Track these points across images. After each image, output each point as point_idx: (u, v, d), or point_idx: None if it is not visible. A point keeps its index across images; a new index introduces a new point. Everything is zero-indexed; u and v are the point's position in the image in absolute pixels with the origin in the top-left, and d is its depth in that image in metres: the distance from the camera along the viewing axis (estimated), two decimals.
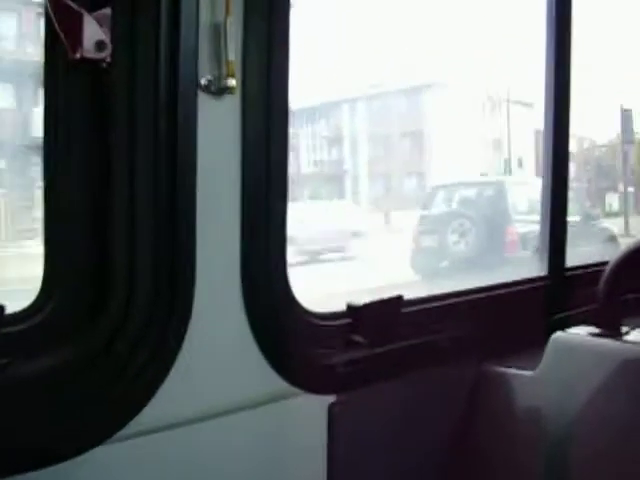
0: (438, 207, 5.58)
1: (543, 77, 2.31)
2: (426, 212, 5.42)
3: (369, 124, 7.89)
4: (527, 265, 2.52)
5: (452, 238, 4.98)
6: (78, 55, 1.26)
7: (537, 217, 2.44)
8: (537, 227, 2.43)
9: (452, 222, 5.07)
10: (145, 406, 1.31)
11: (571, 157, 2.34)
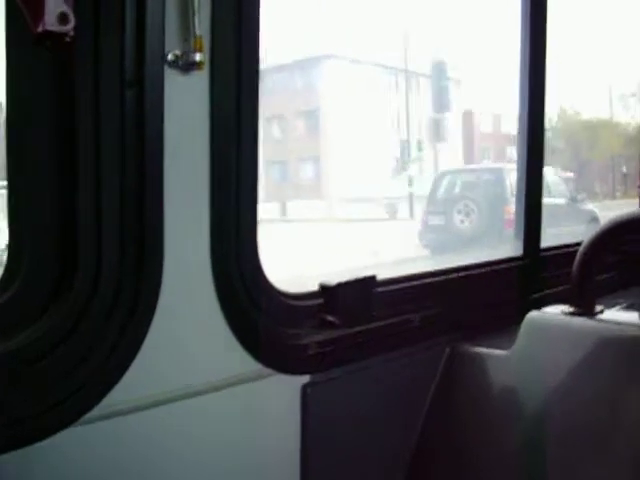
0: (444, 190, 6.11)
1: (517, 64, 2.32)
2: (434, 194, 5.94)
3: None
4: None
5: (458, 217, 5.47)
6: (40, 28, 1.22)
7: None
8: None
9: (457, 203, 5.51)
10: (113, 388, 1.29)
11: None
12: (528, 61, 2.26)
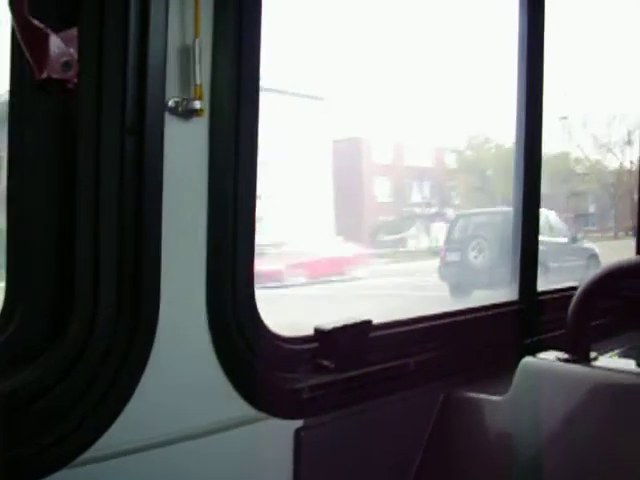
0: (458, 230, 6.93)
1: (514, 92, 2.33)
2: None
3: None
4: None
5: (472, 254, 6.25)
6: (44, 75, 1.24)
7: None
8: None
9: (471, 242, 6.33)
10: (107, 431, 1.29)
11: None
12: (525, 103, 2.29)
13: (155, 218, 1.33)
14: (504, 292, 2.36)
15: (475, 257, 6.41)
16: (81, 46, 1.27)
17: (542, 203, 2.42)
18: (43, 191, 1.30)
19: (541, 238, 2.43)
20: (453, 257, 6.61)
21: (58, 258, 1.31)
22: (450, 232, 7.06)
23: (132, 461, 1.33)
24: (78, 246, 1.29)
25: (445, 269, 6.76)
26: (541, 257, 2.41)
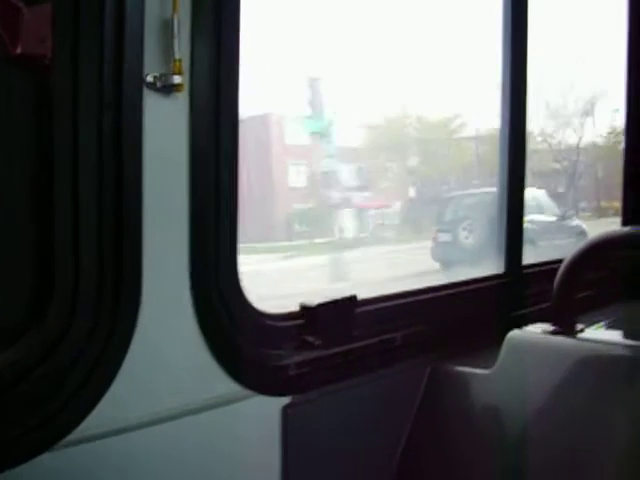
0: (450, 212, 7.13)
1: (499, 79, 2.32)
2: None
3: None
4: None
5: (463, 234, 6.58)
6: (18, 50, 1.22)
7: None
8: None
9: (462, 222, 6.67)
10: (91, 411, 1.28)
11: None
12: (509, 83, 2.27)
13: (135, 195, 1.31)
14: (490, 266, 2.35)
15: (466, 237, 6.63)
16: (55, 21, 1.25)
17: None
18: (19, 171, 1.28)
19: (534, 217, 2.45)
20: (445, 238, 6.82)
21: (37, 238, 1.29)
22: (441, 214, 7.24)
23: (118, 441, 1.32)
24: (57, 226, 1.27)
25: (437, 249, 6.97)
26: (533, 235, 2.41)
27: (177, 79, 1.33)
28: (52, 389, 1.25)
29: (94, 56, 1.26)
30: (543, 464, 1.71)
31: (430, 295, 2.02)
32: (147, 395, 1.36)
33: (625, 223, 2.93)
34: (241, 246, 1.51)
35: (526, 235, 2.42)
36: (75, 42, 1.25)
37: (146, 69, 1.32)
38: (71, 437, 1.25)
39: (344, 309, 1.70)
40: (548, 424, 1.71)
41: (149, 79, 1.32)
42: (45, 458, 1.21)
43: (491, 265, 2.33)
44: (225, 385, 1.48)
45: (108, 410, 1.29)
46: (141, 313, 1.33)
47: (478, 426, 1.81)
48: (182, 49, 1.34)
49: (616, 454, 1.61)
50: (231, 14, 1.44)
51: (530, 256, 2.44)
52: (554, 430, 1.70)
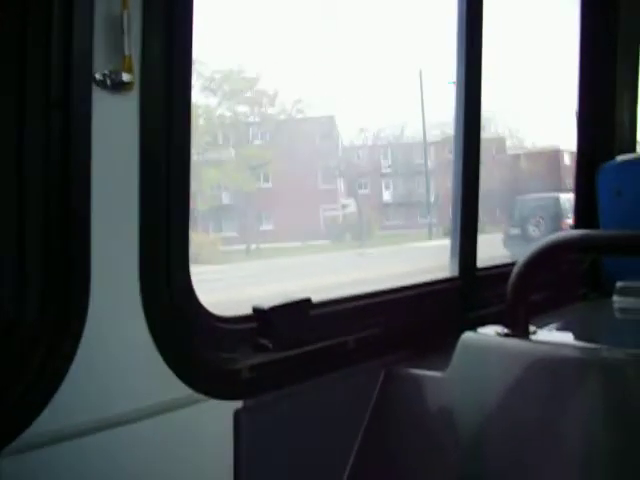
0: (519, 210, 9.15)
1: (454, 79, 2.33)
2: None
3: None
4: None
5: (531, 228, 8.50)
6: None
7: None
8: None
9: (531, 219, 8.65)
10: (37, 418, 1.24)
11: None
12: (464, 81, 2.29)
13: (83, 198, 1.28)
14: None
15: (533, 231, 8.48)
16: (1, 16, 1.21)
17: None
18: None
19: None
20: (515, 232, 8.75)
21: None
22: (512, 211, 9.25)
23: (64, 448, 1.28)
24: (1, 229, 1.23)
25: (508, 241, 8.83)
26: None
27: (127, 76, 1.31)
28: None
29: (41, 52, 1.23)
30: (498, 463, 1.72)
31: (385, 298, 2.02)
32: (95, 401, 1.33)
33: (577, 226, 2.97)
34: None
35: None
36: (21, 37, 1.22)
37: (95, 66, 1.29)
38: (15, 444, 1.21)
39: (298, 312, 1.68)
40: (501, 425, 1.72)
41: (98, 76, 1.29)
42: None
43: None
44: (177, 389, 1.46)
45: (53, 417, 1.26)
46: (89, 316, 1.30)
47: (432, 428, 1.82)
48: (133, 45, 1.32)
49: (568, 453, 1.62)
50: (183, 10, 1.42)
51: None
52: (508, 432, 1.71)
